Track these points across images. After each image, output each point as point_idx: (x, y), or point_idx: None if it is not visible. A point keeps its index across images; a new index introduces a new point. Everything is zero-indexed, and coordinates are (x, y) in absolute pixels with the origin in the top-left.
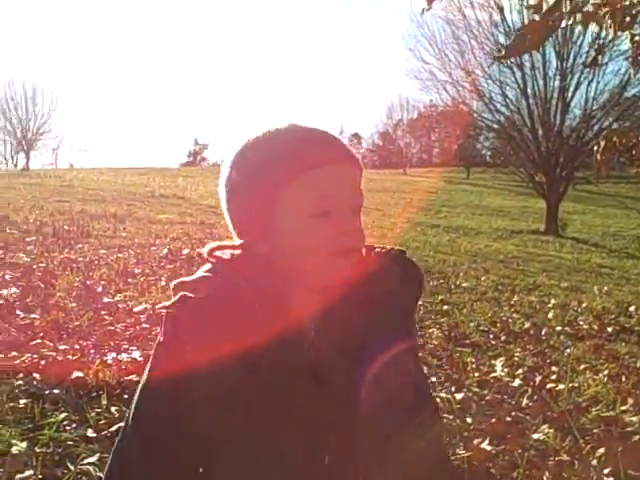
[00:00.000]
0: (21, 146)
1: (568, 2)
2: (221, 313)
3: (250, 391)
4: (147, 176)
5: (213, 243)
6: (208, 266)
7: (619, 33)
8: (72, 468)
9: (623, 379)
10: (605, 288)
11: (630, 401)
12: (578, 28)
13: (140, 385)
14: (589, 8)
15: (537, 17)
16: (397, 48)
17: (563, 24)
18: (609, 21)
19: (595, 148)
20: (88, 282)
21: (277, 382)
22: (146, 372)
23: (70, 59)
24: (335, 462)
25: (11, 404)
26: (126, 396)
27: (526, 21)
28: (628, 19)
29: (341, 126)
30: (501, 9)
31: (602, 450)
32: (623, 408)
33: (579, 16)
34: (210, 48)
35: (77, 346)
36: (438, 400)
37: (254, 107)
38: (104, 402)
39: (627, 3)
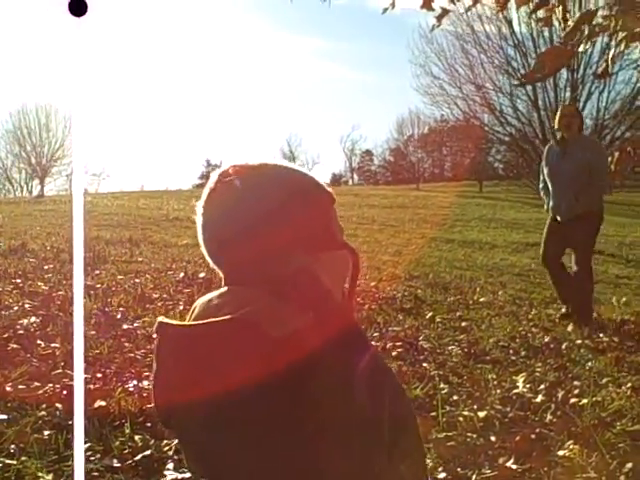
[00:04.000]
0: (36, 173)
1: (587, 25)
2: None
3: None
4: (161, 199)
5: None
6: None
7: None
8: None
9: None
10: (624, 299)
11: None
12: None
13: None
14: (598, 20)
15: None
16: (405, 63)
17: (581, 48)
18: (621, 34)
19: (610, 159)
20: (107, 309)
21: None
22: None
23: (82, 82)
24: None
25: (35, 435)
26: (149, 424)
27: (535, 33)
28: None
29: (352, 142)
30: (509, 22)
31: (630, 465)
32: None
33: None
34: (222, 68)
35: (99, 375)
36: (461, 419)
37: (264, 125)
38: (127, 431)
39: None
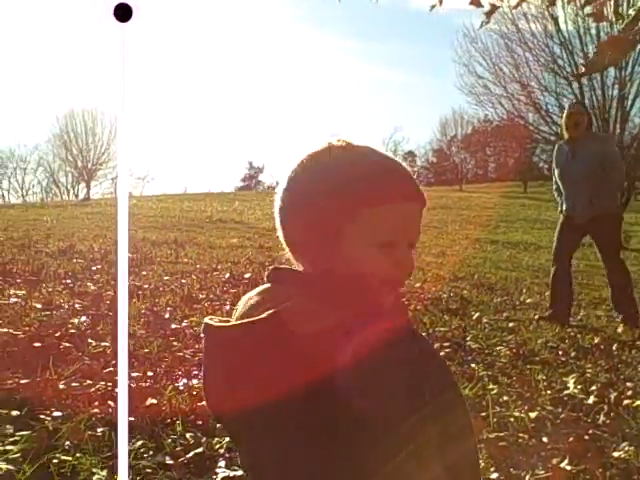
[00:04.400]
0: (82, 176)
1: None
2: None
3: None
4: (204, 201)
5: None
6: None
7: None
8: None
9: None
10: None
11: None
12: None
13: None
14: None
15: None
16: (448, 63)
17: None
18: None
19: None
20: (155, 308)
21: None
22: None
23: (127, 88)
24: None
25: (89, 432)
26: (200, 422)
27: (582, 30)
28: None
29: (394, 144)
30: (555, 20)
31: None
32: None
33: None
34: (264, 70)
35: (149, 373)
36: (512, 419)
37: (306, 127)
38: (179, 429)
39: None
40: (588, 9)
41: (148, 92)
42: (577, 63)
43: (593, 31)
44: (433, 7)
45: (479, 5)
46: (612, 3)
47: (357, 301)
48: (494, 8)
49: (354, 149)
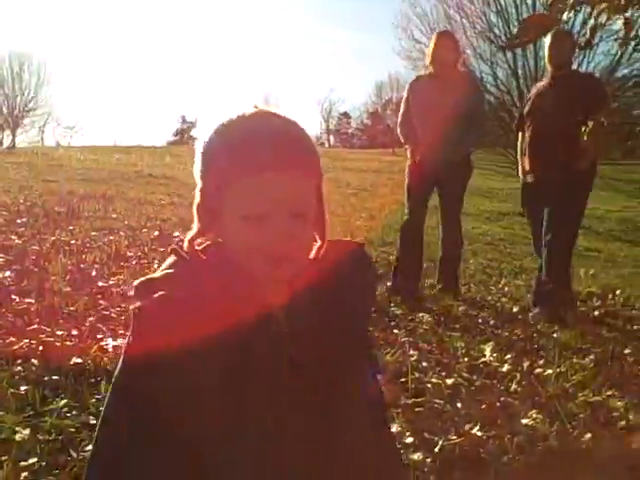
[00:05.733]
0: (7, 123)
1: None
2: (191, 310)
3: (234, 381)
4: (135, 155)
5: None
6: (172, 260)
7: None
8: (75, 455)
9: (609, 363)
10: (592, 271)
11: (616, 385)
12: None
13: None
14: None
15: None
16: (388, 27)
17: (564, 17)
18: (603, 4)
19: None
20: (82, 265)
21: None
22: (118, 373)
23: (57, 33)
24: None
25: (11, 390)
26: None
27: (518, 0)
28: (623, 2)
29: (329, 104)
30: None
31: (589, 435)
32: (609, 393)
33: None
34: (198, 22)
35: (74, 332)
36: (429, 385)
37: (243, 83)
38: (103, 389)
39: None
40: None
41: (80, 40)
42: (512, 32)
43: (529, 1)
44: None
45: None
46: None
47: (218, 276)
48: None
49: (249, 118)
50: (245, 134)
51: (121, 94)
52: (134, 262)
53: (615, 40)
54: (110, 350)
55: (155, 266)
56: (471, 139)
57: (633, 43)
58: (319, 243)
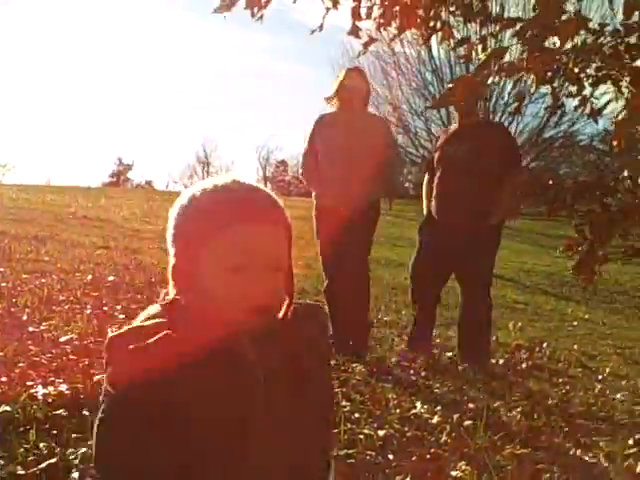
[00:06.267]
0: None
1: (496, 61)
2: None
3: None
4: (68, 195)
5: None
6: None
7: None
8: None
9: (535, 416)
10: (519, 324)
11: (542, 438)
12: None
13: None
14: (511, 58)
15: (463, 62)
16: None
17: (489, 81)
18: (531, 76)
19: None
20: (12, 309)
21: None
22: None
23: None
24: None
25: None
26: (55, 432)
27: (452, 60)
28: (549, 74)
29: (267, 152)
30: (429, 47)
31: None
32: (535, 445)
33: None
34: (138, 63)
35: (3, 378)
36: (361, 437)
37: (182, 128)
38: (32, 438)
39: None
40: (460, 50)
41: (14, 76)
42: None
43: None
44: (313, 32)
45: (357, 36)
46: (480, 48)
47: (196, 328)
48: (371, 40)
49: (219, 184)
50: (228, 194)
51: (56, 132)
52: (66, 307)
53: (544, 109)
54: (40, 398)
55: (87, 312)
56: (380, 185)
57: (559, 111)
58: (287, 300)
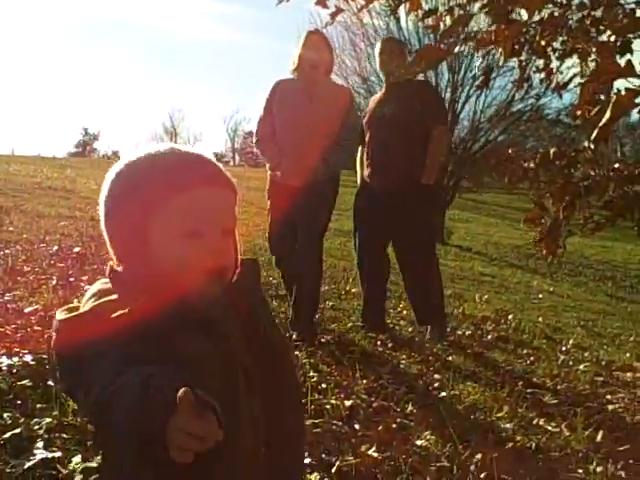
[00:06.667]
0: None
1: (462, 28)
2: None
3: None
4: (34, 165)
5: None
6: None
7: None
8: None
9: (499, 386)
10: (485, 296)
11: (505, 408)
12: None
13: None
14: (476, 29)
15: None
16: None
17: (456, 50)
18: (499, 49)
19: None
20: None
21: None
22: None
23: None
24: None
25: None
26: (19, 402)
27: (421, 32)
28: (517, 47)
29: (235, 123)
30: (397, 19)
31: (479, 456)
32: (499, 415)
33: (471, 43)
34: (105, 33)
35: None
36: (328, 407)
37: (149, 98)
38: None
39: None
40: (428, 21)
41: None
42: None
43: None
44: (280, 2)
45: (325, 6)
46: (448, 18)
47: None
48: (339, 11)
49: (161, 149)
50: (176, 159)
51: (19, 102)
52: (31, 277)
53: (511, 83)
54: (4, 368)
55: (53, 282)
56: (339, 158)
57: (526, 85)
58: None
